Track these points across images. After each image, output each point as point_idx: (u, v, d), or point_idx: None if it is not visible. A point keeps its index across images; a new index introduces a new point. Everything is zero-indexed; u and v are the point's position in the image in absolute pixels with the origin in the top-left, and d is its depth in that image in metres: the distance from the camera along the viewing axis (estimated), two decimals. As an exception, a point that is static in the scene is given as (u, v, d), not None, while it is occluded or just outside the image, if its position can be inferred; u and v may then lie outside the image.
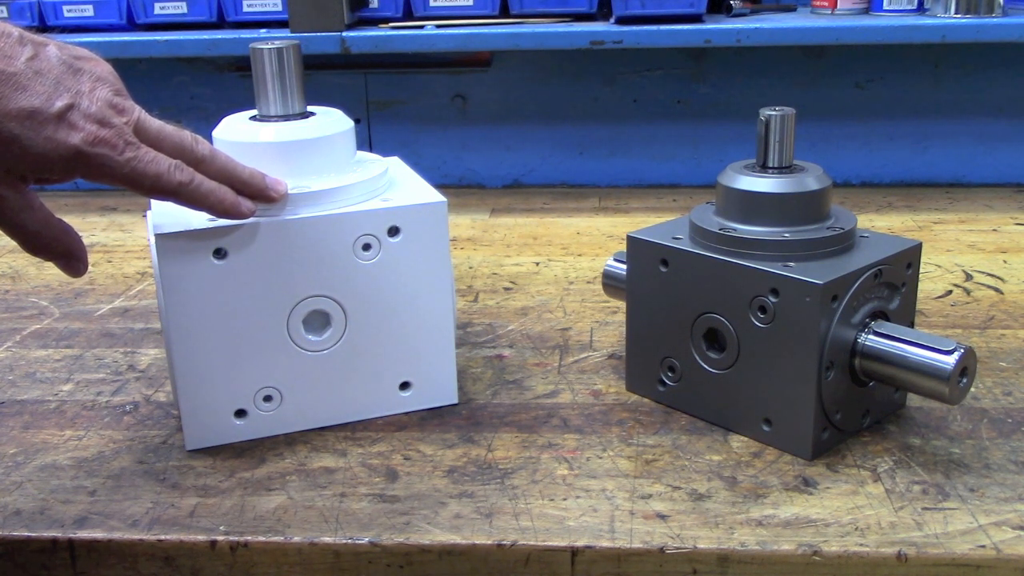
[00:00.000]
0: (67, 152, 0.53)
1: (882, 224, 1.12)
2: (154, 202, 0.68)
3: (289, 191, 0.64)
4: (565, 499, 0.59)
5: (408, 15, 1.22)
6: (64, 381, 0.76)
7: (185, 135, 0.59)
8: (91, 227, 1.19)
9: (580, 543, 0.55)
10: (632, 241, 0.69)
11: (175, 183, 0.57)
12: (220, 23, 1.24)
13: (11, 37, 0.53)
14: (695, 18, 1.17)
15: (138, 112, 0.57)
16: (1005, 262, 0.99)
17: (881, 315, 0.64)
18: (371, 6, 1.22)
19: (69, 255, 0.58)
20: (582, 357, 0.79)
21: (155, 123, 0.58)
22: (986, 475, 0.61)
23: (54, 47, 0.55)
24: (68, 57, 0.55)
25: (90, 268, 1.02)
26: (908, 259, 0.66)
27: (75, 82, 0.54)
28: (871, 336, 0.63)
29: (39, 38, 0.55)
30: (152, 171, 0.56)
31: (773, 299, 0.61)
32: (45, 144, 0.52)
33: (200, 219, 0.63)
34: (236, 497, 0.60)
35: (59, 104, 0.53)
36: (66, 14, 1.24)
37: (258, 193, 0.62)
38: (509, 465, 0.63)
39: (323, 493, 0.61)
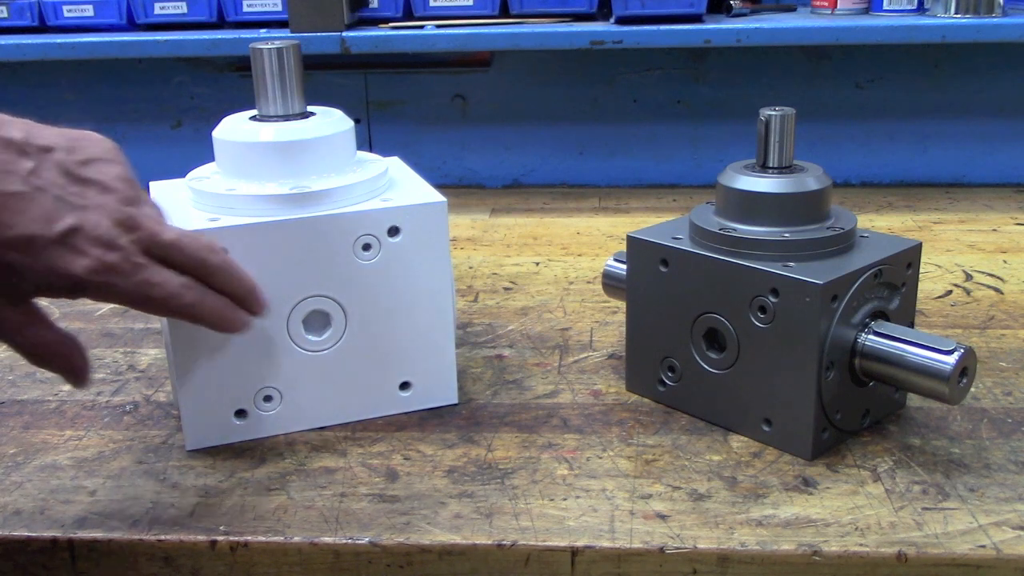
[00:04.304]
0: (68, 281, 0.50)
1: (882, 224, 1.12)
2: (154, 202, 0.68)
3: (289, 191, 0.64)
4: (565, 499, 0.59)
5: (408, 15, 1.21)
6: (64, 381, 0.76)
7: (199, 246, 0.54)
8: (91, 227, 1.19)
9: (580, 543, 0.55)
10: (632, 241, 0.69)
11: (180, 305, 0.53)
12: (220, 23, 1.24)
13: (12, 146, 0.49)
14: (695, 18, 1.17)
15: (149, 225, 0.52)
16: (1005, 262, 0.99)
17: (881, 315, 0.64)
18: (371, 6, 1.22)
19: (70, 370, 0.55)
20: (582, 357, 0.79)
21: (168, 235, 0.53)
22: (986, 475, 0.61)
23: (61, 153, 0.51)
24: (74, 164, 0.51)
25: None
26: (908, 259, 0.66)
27: (81, 197, 0.50)
28: (871, 336, 0.63)
29: (43, 139, 0.51)
30: (158, 295, 0.52)
31: (773, 299, 0.61)
32: (46, 273, 0.49)
33: (200, 219, 0.63)
34: (236, 497, 0.60)
35: (61, 227, 0.49)
36: (66, 14, 1.24)
37: (251, 309, 0.58)
38: (509, 465, 0.63)
39: (323, 493, 0.61)
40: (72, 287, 0.50)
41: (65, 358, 0.54)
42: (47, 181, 0.49)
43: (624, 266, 0.71)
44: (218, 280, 0.56)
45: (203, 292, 0.55)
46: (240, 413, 0.66)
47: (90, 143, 0.53)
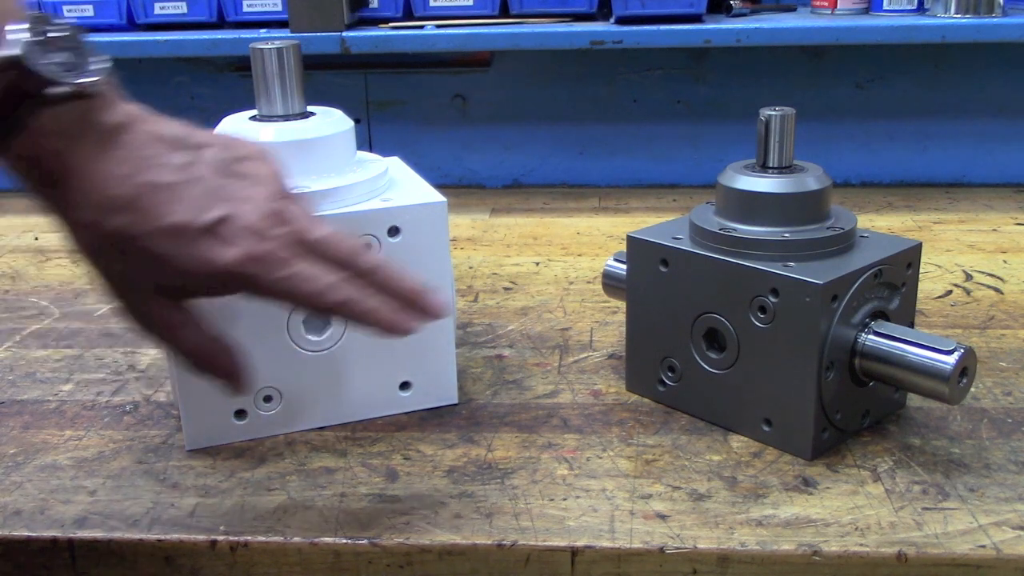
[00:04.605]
0: (214, 271, 0.49)
1: (882, 224, 1.12)
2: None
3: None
4: (565, 499, 0.59)
5: (408, 15, 1.22)
6: (64, 381, 0.76)
7: (350, 245, 0.53)
8: (91, 227, 1.19)
9: (580, 543, 0.55)
10: (632, 241, 0.69)
11: (331, 303, 0.51)
12: (220, 23, 1.24)
13: (165, 141, 0.50)
14: (695, 18, 1.17)
15: (300, 220, 0.52)
16: (1005, 262, 0.99)
17: (881, 315, 0.64)
18: (371, 6, 1.22)
19: (227, 375, 0.53)
20: (582, 357, 0.79)
21: (319, 231, 0.52)
22: (986, 475, 0.61)
23: (215, 149, 0.51)
24: (229, 159, 0.51)
25: (90, 268, 1.03)
26: (908, 259, 0.66)
27: (232, 190, 0.50)
28: (871, 336, 0.63)
29: (200, 137, 0.51)
30: (307, 290, 0.50)
31: (773, 299, 0.61)
32: (192, 263, 0.48)
33: (200, 219, 0.63)
34: (236, 497, 0.60)
35: (210, 217, 0.48)
36: (66, 14, 1.24)
37: (419, 311, 0.54)
38: (509, 465, 0.63)
39: (323, 493, 0.61)
40: (221, 279, 0.49)
41: (223, 363, 0.53)
42: (200, 174, 0.49)
43: (624, 266, 0.71)
44: (375, 280, 0.53)
45: (358, 291, 0.52)
46: (240, 413, 0.66)
47: (244, 144, 0.53)
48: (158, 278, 0.50)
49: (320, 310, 0.52)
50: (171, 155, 0.49)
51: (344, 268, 0.52)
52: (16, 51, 0.45)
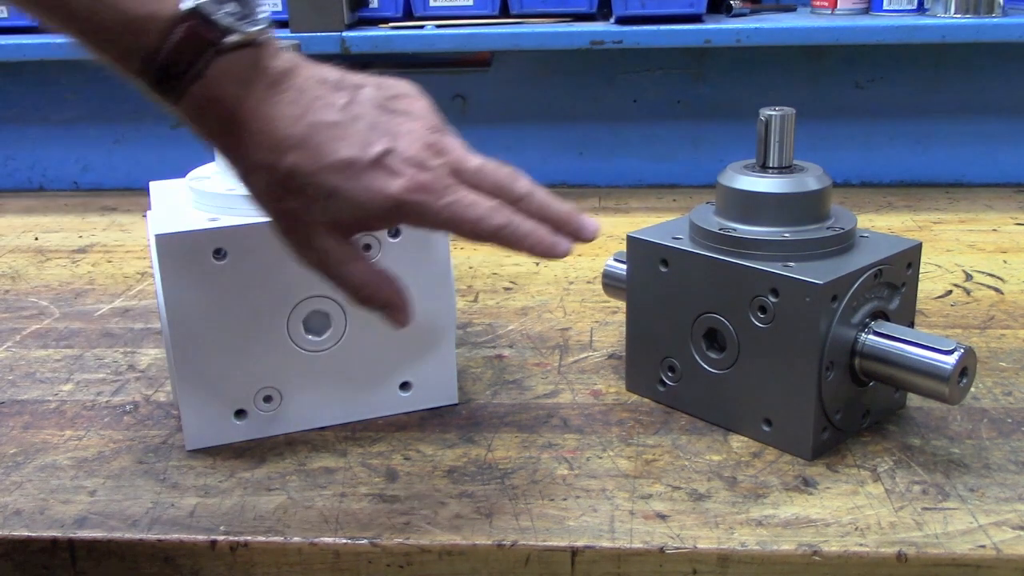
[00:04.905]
0: (385, 201, 0.52)
1: (882, 224, 1.12)
2: (154, 202, 0.69)
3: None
4: (565, 499, 0.59)
5: (408, 15, 1.21)
6: (64, 381, 0.76)
7: (504, 172, 0.56)
8: (91, 227, 1.19)
9: (580, 543, 0.55)
10: (632, 241, 0.69)
11: (494, 226, 0.53)
12: (220, 23, 1.23)
13: (327, 84, 0.53)
14: (695, 18, 1.17)
15: (455, 151, 0.54)
16: (1005, 262, 0.99)
17: (881, 315, 0.64)
18: (371, 6, 1.22)
19: (391, 306, 0.56)
20: (582, 357, 0.79)
21: (474, 161, 0.55)
22: (986, 475, 0.61)
23: (370, 88, 0.54)
24: (383, 98, 0.54)
25: (90, 268, 1.03)
26: (908, 259, 0.66)
27: (390, 124, 0.53)
28: (871, 336, 0.63)
29: (355, 79, 0.54)
30: (471, 215, 0.53)
31: (773, 299, 0.61)
32: (364, 193, 0.51)
33: (200, 219, 0.63)
34: (236, 497, 0.60)
35: (375, 150, 0.52)
36: (66, 14, 1.24)
37: (573, 232, 0.56)
38: (509, 465, 0.63)
39: (323, 493, 0.61)
40: (388, 209, 0.52)
41: (385, 294, 0.56)
42: (361, 112, 0.53)
43: (624, 266, 0.71)
44: (529, 206, 0.55)
45: (514, 215, 0.54)
46: (240, 413, 0.66)
47: (397, 83, 0.57)
48: (332, 212, 0.52)
49: (481, 236, 0.54)
50: (334, 96, 0.52)
51: (498, 196, 0.54)
52: (193, 2, 0.48)
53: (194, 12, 0.48)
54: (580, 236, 0.57)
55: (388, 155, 0.52)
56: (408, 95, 0.56)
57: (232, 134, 0.51)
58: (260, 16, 0.51)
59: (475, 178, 0.54)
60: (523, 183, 0.56)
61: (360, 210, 0.52)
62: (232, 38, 0.49)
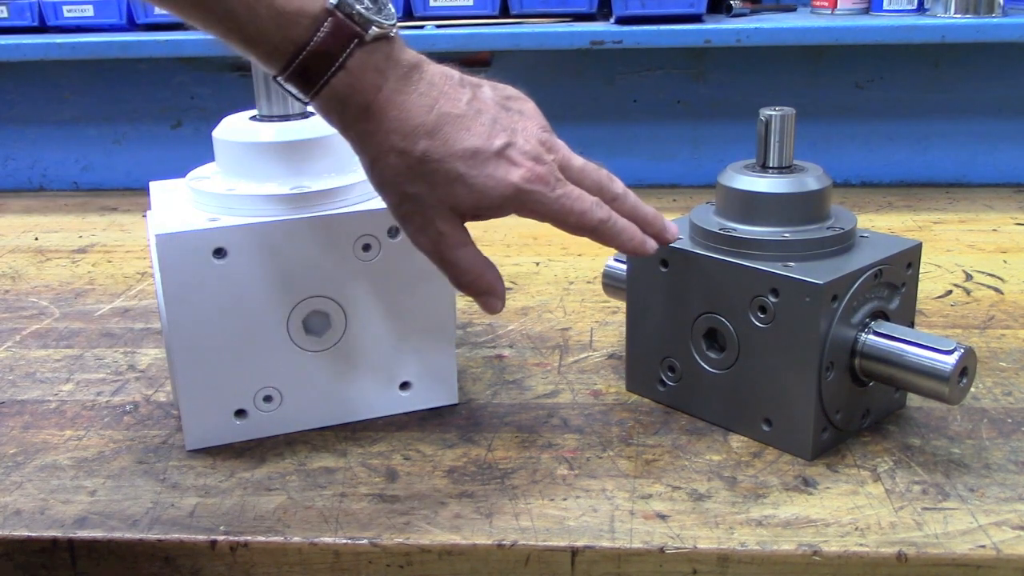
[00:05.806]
0: (506, 189, 0.55)
1: (882, 224, 1.12)
2: (154, 202, 0.69)
3: (289, 191, 0.64)
4: (565, 499, 0.59)
5: (408, 15, 1.21)
6: (64, 381, 0.76)
7: (602, 173, 0.61)
8: (91, 227, 1.19)
9: (580, 543, 0.55)
10: (632, 241, 0.69)
11: (596, 220, 0.58)
12: (220, 23, 1.23)
13: (453, 80, 0.56)
14: (695, 18, 1.17)
15: (563, 149, 0.59)
16: (1005, 262, 0.99)
17: (881, 315, 0.64)
18: (371, 6, 1.21)
19: (490, 292, 0.59)
20: (582, 357, 0.79)
21: (578, 160, 0.60)
22: (986, 475, 0.61)
23: (488, 88, 0.58)
24: (500, 97, 0.58)
25: (90, 268, 1.03)
26: (908, 259, 0.66)
27: (509, 121, 0.57)
28: (871, 336, 0.63)
29: (474, 79, 0.58)
30: (578, 208, 0.57)
31: (773, 299, 0.61)
32: (486, 181, 0.55)
33: (200, 219, 0.63)
34: (236, 497, 0.60)
35: (498, 142, 0.56)
36: (66, 14, 1.24)
37: (657, 233, 0.63)
38: (509, 465, 0.63)
39: (323, 493, 0.61)
40: (507, 196, 0.56)
41: (487, 280, 0.59)
42: (483, 108, 0.57)
43: (624, 266, 0.71)
44: (622, 206, 0.61)
45: (611, 212, 0.59)
46: (240, 413, 0.66)
47: (507, 87, 0.61)
48: (454, 197, 0.56)
49: (584, 227, 0.58)
50: (459, 91, 0.56)
51: (597, 194, 0.60)
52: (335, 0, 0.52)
53: (339, 6, 0.52)
54: (663, 237, 0.64)
55: (509, 147, 0.56)
56: (520, 97, 0.61)
57: (367, 121, 0.55)
58: (391, 10, 0.54)
59: (578, 176, 0.59)
60: (618, 184, 0.62)
61: (481, 196, 0.56)
62: (373, 31, 0.52)
